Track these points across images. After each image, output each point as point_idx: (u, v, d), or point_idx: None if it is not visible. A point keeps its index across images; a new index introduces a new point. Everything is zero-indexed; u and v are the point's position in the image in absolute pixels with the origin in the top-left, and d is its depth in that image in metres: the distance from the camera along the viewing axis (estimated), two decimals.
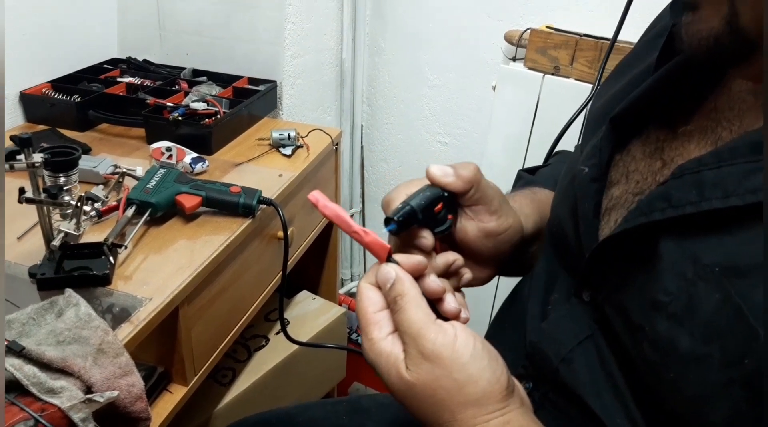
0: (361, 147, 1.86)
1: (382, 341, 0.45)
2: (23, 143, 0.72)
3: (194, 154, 1.10)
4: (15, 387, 0.58)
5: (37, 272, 0.76)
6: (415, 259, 0.46)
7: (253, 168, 1.14)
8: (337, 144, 1.32)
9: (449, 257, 0.51)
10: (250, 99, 1.29)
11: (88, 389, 0.62)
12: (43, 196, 0.75)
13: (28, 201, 0.74)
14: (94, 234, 0.87)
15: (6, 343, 0.60)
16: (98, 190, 0.92)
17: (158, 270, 0.82)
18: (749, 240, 0.39)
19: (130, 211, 0.87)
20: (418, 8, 1.62)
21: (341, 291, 1.90)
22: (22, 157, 0.73)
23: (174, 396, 0.87)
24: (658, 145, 0.51)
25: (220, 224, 0.93)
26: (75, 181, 0.81)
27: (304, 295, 1.47)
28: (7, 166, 0.72)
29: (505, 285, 1.45)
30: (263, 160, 1.17)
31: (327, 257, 1.50)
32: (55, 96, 1.25)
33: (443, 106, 1.70)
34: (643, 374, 0.46)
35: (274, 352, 1.27)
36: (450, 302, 0.47)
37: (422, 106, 1.74)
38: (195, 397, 0.93)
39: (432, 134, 1.76)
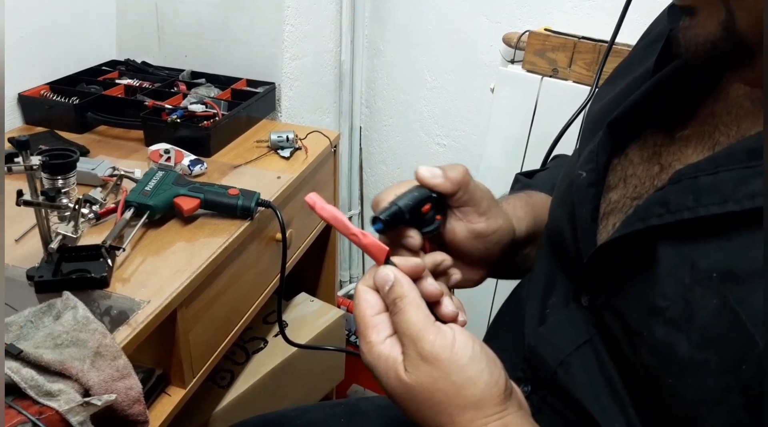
0: (360, 149, 1.86)
1: (381, 344, 0.45)
2: (21, 146, 0.72)
3: (192, 157, 1.10)
4: (13, 390, 0.58)
5: (35, 274, 0.76)
6: (413, 261, 0.47)
7: (251, 170, 1.14)
8: (335, 146, 1.32)
9: (437, 257, 0.51)
10: (248, 101, 1.29)
11: (86, 392, 0.62)
12: (41, 198, 0.75)
13: (26, 204, 0.74)
14: (92, 236, 0.87)
15: (4, 346, 0.60)
16: (96, 193, 0.92)
17: (156, 272, 0.82)
18: (747, 246, 0.39)
19: (128, 214, 0.87)
20: (417, 10, 1.62)
21: (340, 293, 1.90)
22: (20, 159, 0.73)
23: (172, 399, 0.87)
24: (655, 149, 0.51)
25: (218, 226, 0.93)
26: (73, 184, 0.81)
27: (303, 297, 1.47)
28: (5, 168, 0.72)
29: (503, 288, 1.46)
30: (262, 162, 1.17)
31: (325, 259, 1.50)
32: (54, 98, 1.25)
33: (442, 109, 1.71)
34: (641, 379, 0.46)
35: (273, 354, 1.27)
36: (448, 305, 0.48)
37: (421, 109, 1.74)
38: (193, 399, 0.93)
39: (430, 136, 1.76)
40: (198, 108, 1.20)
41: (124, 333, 0.71)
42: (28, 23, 1.23)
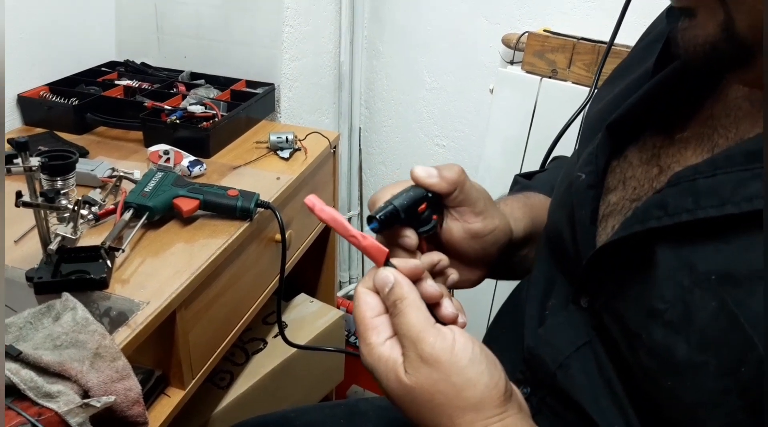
0: (359, 150, 1.86)
1: (381, 346, 0.45)
2: (20, 147, 0.72)
3: (192, 158, 1.10)
4: (12, 392, 0.58)
5: (35, 275, 0.75)
6: (413, 263, 0.47)
7: (250, 171, 1.14)
8: (335, 147, 1.32)
9: (434, 257, 0.51)
10: (247, 102, 1.29)
11: (85, 394, 0.62)
12: (40, 199, 0.75)
13: (26, 205, 0.74)
14: (91, 237, 0.87)
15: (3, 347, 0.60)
16: (95, 194, 0.92)
17: (156, 273, 0.82)
18: (745, 248, 0.39)
19: (128, 215, 0.87)
20: (416, 11, 1.62)
21: (339, 294, 1.90)
22: (19, 160, 0.72)
23: (172, 400, 0.87)
24: (654, 151, 0.51)
25: (217, 227, 0.93)
26: (72, 185, 0.81)
27: (302, 298, 1.47)
28: (4, 169, 0.72)
29: (502, 290, 1.46)
30: (261, 163, 1.17)
31: (325, 260, 1.50)
32: (53, 99, 1.25)
33: (441, 109, 1.71)
34: (640, 381, 0.46)
35: (272, 355, 1.27)
36: (447, 307, 0.48)
37: (420, 109, 1.74)
38: (193, 400, 0.93)
39: (430, 137, 1.76)
40: (197, 109, 1.20)
41: (124, 334, 0.71)
42: (28, 24, 1.23)
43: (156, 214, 0.90)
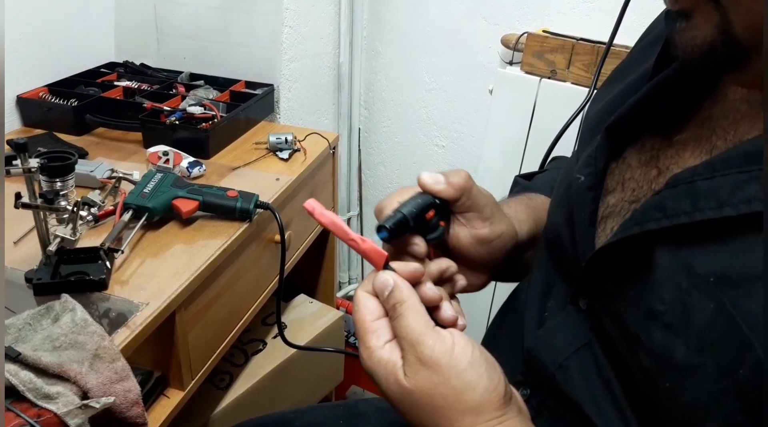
0: (359, 150, 1.86)
1: (380, 349, 0.45)
2: (19, 148, 0.72)
3: (191, 159, 1.10)
4: (11, 393, 0.58)
5: (34, 276, 0.75)
6: (412, 266, 0.47)
7: (250, 172, 1.14)
8: (334, 148, 1.32)
9: (443, 264, 0.51)
10: (247, 103, 1.29)
11: (85, 395, 0.62)
12: (39, 201, 0.75)
13: (25, 206, 0.74)
14: (90, 239, 0.87)
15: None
16: (95, 195, 0.92)
17: (155, 275, 0.82)
18: (743, 250, 0.39)
19: (127, 216, 0.87)
20: (416, 12, 1.62)
21: (339, 294, 1.90)
22: (18, 162, 0.72)
23: (171, 401, 0.87)
24: (653, 153, 0.51)
25: (217, 228, 0.93)
26: (71, 186, 0.81)
27: (302, 298, 1.47)
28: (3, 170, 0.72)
29: (501, 292, 1.46)
30: (260, 164, 1.17)
31: (324, 261, 1.50)
32: (52, 100, 1.25)
33: (440, 110, 1.71)
34: (639, 382, 0.46)
35: (272, 356, 1.27)
36: (447, 310, 0.48)
37: (419, 110, 1.74)
38: (192, 401, 0.93)
39: (429, 138, 1.76)
40: (197, 110, 1.20)
41: (123, 335, 0.71)
42: (27, 25, 1.23)
43: (155, 215, 0.90)
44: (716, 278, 0.40)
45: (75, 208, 0.78)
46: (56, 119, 1.22)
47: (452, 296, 0.53)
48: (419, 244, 0.50)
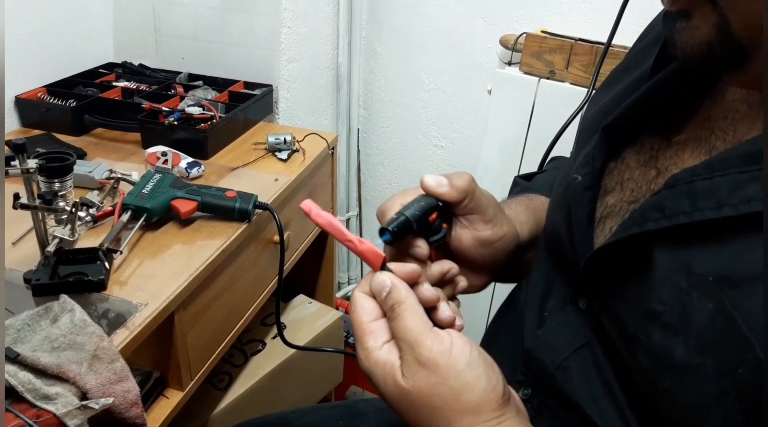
0: (358, 151, 1.86)
1: (378, 350, 0.45)
2: (18, 149, 0.72)
3: (190, 159, 1.10)
4: (10, 394, 0.58)
5: (32, 277, 0.75)
6: (410, 267, 0.47)
7: (248, 172, 1.14)
8: (333, 148, 1.32)
9: (444, 266, 0.51)
10: (245, 103, 1.29)
11: (84, 396, 0.62)
12: (37, 201, 0.75)
13: (23, 207, 0.74)
14: (89, 239, 0.87)
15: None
16: (93, 196, 0.92)
17: (154, 275, 0.82)
18: (742, 250, 0.39)
19: (126, 217, 0.87)
20: (414, 12, 1.62)
21: (338, 295, 1.90)
22: (16, 162, 0.72)
23: (170, 401, 0.86)
24: (652, 153, 0.51)
25: (215, 228, 0.93)
26: (70, 187, 0.81)
27: (301, 299, 1.47)
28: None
29: (500, 292, 1.46)
30: (259, 164, 1.17)
31: (323, 261, 1.50)
32: (51, 101, 1.25)
33: (439, 110, 1.71)
34: (639, 382, 0.46)
35: (271, 356, 1.27)
36: (444, 311, 0.48)
37: (418, 110, 1.74)
38: (191, 402, 0.93)
39: (428, 138, 1.76)
40: (195, 110, 1.20)
41: (122, 336, 0.71)
42: (26, 26, 1.23)
43: (154, 215, 0.90)
44: (716, 277, 0.40)
45: (73, 209, 0.78)
46: (55, 120, 1.21)
47: (453, 297, 0.53)
48: (422, 246, 0.50)
